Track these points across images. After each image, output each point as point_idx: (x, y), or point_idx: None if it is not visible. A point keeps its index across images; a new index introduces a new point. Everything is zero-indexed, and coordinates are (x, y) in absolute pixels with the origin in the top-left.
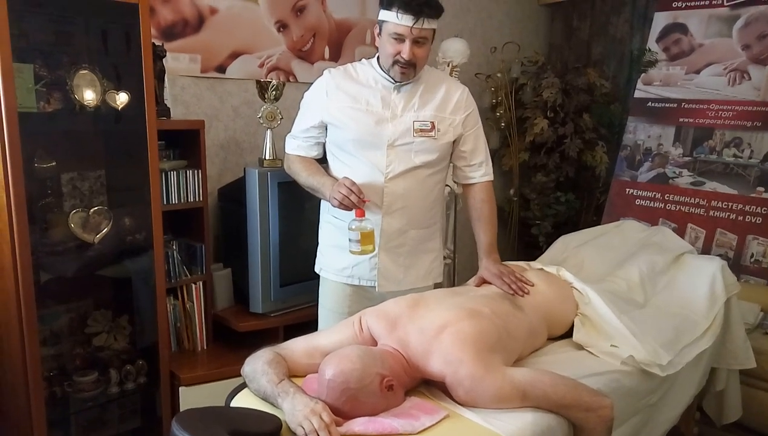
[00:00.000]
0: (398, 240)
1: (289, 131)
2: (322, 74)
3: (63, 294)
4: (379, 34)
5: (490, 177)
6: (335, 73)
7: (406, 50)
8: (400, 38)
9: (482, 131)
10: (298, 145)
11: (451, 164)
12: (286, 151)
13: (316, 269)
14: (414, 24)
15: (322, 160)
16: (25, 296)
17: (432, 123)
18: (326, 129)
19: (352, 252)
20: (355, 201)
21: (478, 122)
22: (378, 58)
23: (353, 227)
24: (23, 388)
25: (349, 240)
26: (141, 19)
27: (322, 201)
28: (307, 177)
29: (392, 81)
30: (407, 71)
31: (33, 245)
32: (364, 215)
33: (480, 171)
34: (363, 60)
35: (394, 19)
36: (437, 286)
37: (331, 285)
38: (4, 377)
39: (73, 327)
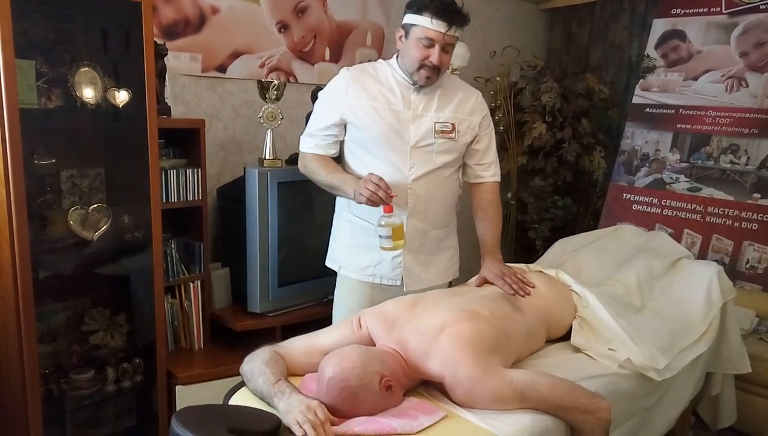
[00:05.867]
0: (420, 240)
1: (297, 132)
2: (323, 75)
3: (61, 291)
4: (404, 37)
5: (498, 178)
6: (354, 70)
7: (435, 55)
8: (430, 43)
9: (494, 134)
10: (315, 143)
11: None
12: (302, 149)
13: (335, 267)
14: (447, 31)
15: (337, 159)
16: (23, 293)
17: (452, 124)
18: (345, 127)
19: (383, 248)
20: (383, 197)
21: (491, 124)
22: (397, 59)
23: (383, 223)
24: (20, 385)
25: (380, 237)
26: (143, 17)
27: (338, 199)
28: (326, 175)
29: (412, 83)
30: (432, 76)
31: (32, 242)
32: (392, 211)
33: (490, 171)
34: (380, 60)
35: (427, 24)
36: (454, 281)
37: (351, 284)
38: (0, 374)
39: (71, 325)
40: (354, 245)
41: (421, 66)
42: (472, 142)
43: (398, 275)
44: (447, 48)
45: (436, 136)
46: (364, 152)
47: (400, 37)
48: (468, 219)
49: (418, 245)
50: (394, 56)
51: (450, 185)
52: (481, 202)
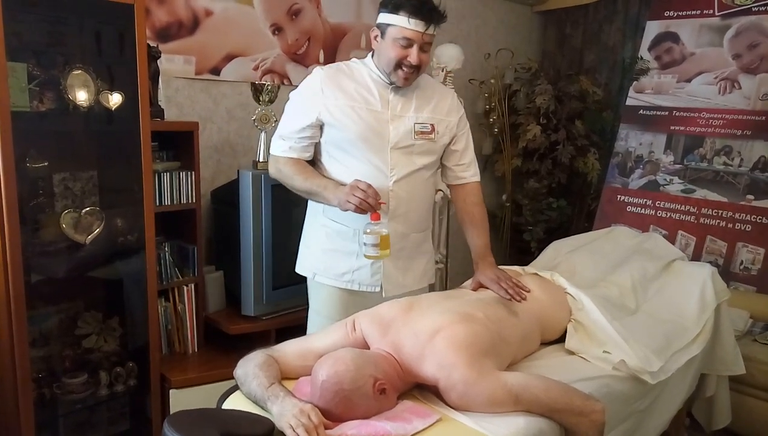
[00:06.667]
0: (400, 244)
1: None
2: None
3: (53, 295)
4: (380, 37)
5: (479, 178)
6: (328, 69)
7: (414, 55)
8: (408, 43)
9: (471, 134)
10: (290, 146)
11: (440, 167)
12: (274, 153)
13: (307, 274)
14: (426, 30)
15: (311, 163)
16: (15, 297)
17: (432, 125)
18: (321, 129)
19: (368, 257)
20: (373, 204)
21: (467, 124)
22: (372, 58)
23: (368, 230)
24: (12, 389)
25: (365, 244)
26: (136, 19)
27: (311, 203)
28: (303, 181)
29: (389, 82)
30: (411, 76)
31: (24, 245)
32: (380, 218)
33: (470, 171)
34: (354, 59)
35: (405, 24)
36: (431, 286)
37: (326, 291)
38: None
39: (63, 328)
40: (330, 251)
41: (399, 66)
42: (450, 143)
43: (377, 281)
44: (425, 47)
45: (416, 137)
46: (342, 154)
47: (375, 36)
48: None
49: (398, 249)
50: (369, 55)
51: (429, 188)
52: (465, 206)
